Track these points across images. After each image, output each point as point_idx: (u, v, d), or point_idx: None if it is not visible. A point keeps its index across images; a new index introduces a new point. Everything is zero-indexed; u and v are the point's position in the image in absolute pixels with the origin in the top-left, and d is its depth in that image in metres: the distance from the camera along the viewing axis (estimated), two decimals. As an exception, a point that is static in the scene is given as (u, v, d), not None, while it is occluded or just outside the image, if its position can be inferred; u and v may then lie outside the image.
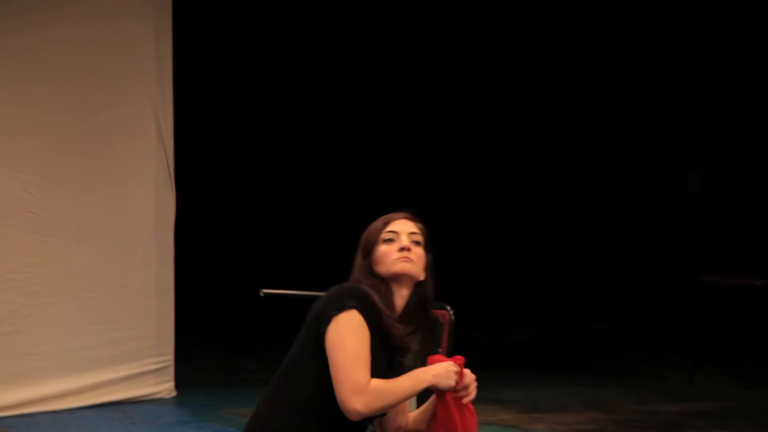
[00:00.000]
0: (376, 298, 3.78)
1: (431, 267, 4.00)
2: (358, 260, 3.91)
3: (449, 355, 6.00)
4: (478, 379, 3.77)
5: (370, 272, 3.87)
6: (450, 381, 3.86)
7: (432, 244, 4.01)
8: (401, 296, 3.91)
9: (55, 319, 7.26)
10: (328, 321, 3.70)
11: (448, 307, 6.14)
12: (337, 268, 4.15)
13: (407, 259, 3.87)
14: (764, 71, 11.32)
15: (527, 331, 11.67)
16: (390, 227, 3.93)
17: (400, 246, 3.89)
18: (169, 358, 7.68)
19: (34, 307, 7.19)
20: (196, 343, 7.60)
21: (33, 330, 7.18)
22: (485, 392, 8.01)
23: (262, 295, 5.73)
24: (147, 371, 7.56)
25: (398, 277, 3.88)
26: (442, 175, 12.82)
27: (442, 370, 3.87)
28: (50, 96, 7.27)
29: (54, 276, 7.26)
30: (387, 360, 3.83)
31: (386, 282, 3.87)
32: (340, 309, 3.69)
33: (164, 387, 7.66)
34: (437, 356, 4.00)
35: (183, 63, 8.13)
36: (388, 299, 3.84)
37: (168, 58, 7.73)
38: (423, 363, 6.03)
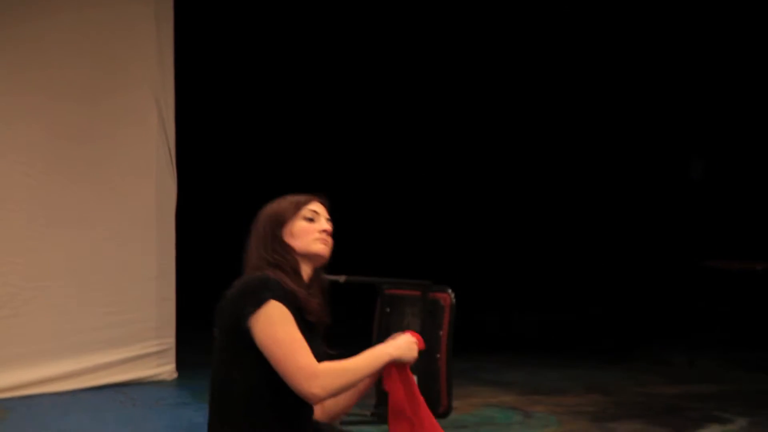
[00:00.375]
0: (287, 279, 3.76)
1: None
2: (262, 233, 3.85)
3: (450, 336, 6.03)
4: (479, 362, 3.76)
5: (278, 245, 3.83)
6: (413, 353, 3.87)
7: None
8: (306, 273, 3.90)
9: (56, 303, 7.28)
10: (248, 319, 3.66)
11: (450, 290, 6.16)
12: (339, 251, 4.15)
13: (325, 241, 3.89)
14: (766, 58, 11.31)
15: (528, 314, 11.68)
16: (311, 206, 3.92)
17: (322, 228, 3.90)
18: (170, 340, 7.70)
19: (35, 290, 7.20)
20: (196, 326, 7.59)
21: (34, 313, 7.20)
22: (486, 374, 8.11)
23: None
24: (148, 353, 7.58)
25: (311, 257, 3.87)
26: (447, 157, 12.82)
27: (403, 344, 3.88)
28: (51, 82, 7.27)
29: (55, 260, 7.27)
30: (309, 337, 3.80)
31: (294, 257, 3.86)
32: (258, 304, 3.62)
33: (165, 369, 7.68)
34: (397, 334, 4.01)
35: (185, 49, 8.13)
36: (298, 274, 3.83)
37: (169, 44, 7.72)
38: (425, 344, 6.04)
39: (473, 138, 12.91)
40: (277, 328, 3.62)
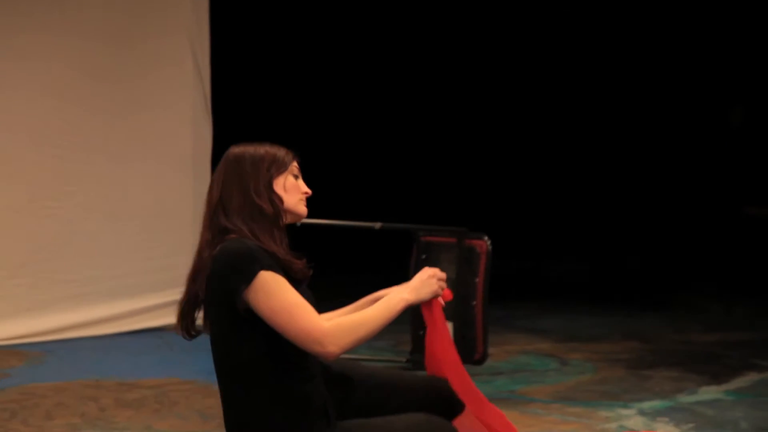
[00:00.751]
0: (266, 238, 3.73)
1: None
2: (252, 174, 3.74)
3: (486, 283, 6.02)
4: (515, 309, 3.74)
5: (273, 194, 3.79)
6: (431, 287, 3.81)
7: (358, 155, 3.99)
8: (284, 225, 3.90)
9: (93, 247, 7.31)
10: (242, 295, 3.63)
11: (486, 237, 6.14)
12: (366, 199, 4.13)
13: (306, 203, 3.87)
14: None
15: (565, 262, 11.65)
16: (295, 164, 3.89)
17: (305, 189, 3.87)
18: (206, 286, 7.71)
19: (72, 234, 7.24)
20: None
21: (71, 257, 7.23)
22: (522, 321, 8.10)
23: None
24: (185, 298, 7.60)
25: (293, 215, 3.85)
26: (485, 104, 12.75)
27: (417, 283, 3.83)
28: (86, 24, 7.25)
29: (91, 204, 7.30)
30: (298, 290, 3.78)
31: (282, 211, 3.83)
32: (249, 279, 3.57)
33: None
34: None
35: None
36: (281, 231, 3.80)
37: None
38: (459, 291, 6.06)
39: (512, 85, 12.83)
40: (273, 297, 3.60)
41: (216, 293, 3.70)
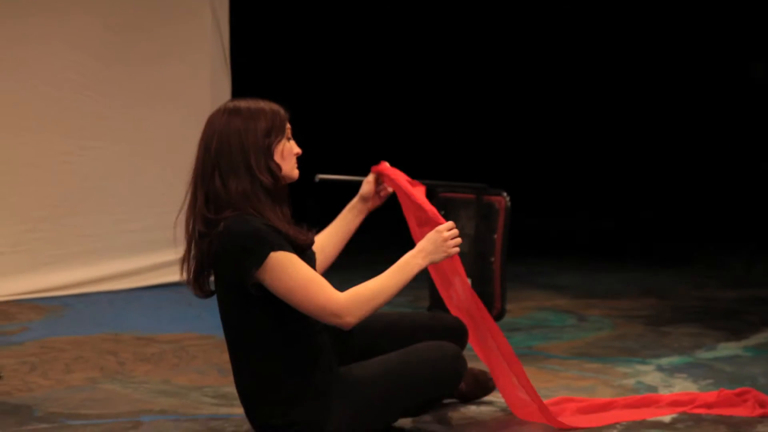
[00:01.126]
0: (271, 215, 3.71)
1: None
2: (254, 142, 3.74)
3: (504, 239, 6.00)
4: (533, 265, 3.74)
5: (274, 165, 3.76)
6: (445, 251, 3.80)
7: (376, 110, 3.98)
8: (286, 192, 3.88)
9: (111, 201, 7.32)
10: (254, 276, 3.63)
11: (505, 194, 6.12)
12: (379, 154, 4.11)
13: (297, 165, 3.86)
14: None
15: (582, 218, 11.62)
16: (288, 125, 3.85)
17: (297, 151, 3.85)
18: (224, 240, 7.71)
19: (90, 189, 7.24)
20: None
21: (89, 212, 7.24)
22: (540, 278, 8.09)
23: (317, 180, 5.71)
24: (203, 254, 7.60)
25: (288, 181, 3.84)
26: (501, 59, 12.68)
27: (431, 247, 3.81)
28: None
29: (109, 158, 7.30)
30: (304, 257, 3.79)
31: (282, 182, 3.81)
32: (260, 261, 3.62)
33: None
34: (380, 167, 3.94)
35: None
36: (282, 201, 3.79)
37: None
38: (477, 247, 6.05)
39: (528, 36, 12.75)
40: (287, 277, 3.62)
41: (224, 271, 3.70)
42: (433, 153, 11.76)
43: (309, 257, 3.85)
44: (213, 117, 3.84)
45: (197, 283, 3.85)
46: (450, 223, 3.84)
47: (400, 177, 4.15)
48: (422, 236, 3.98)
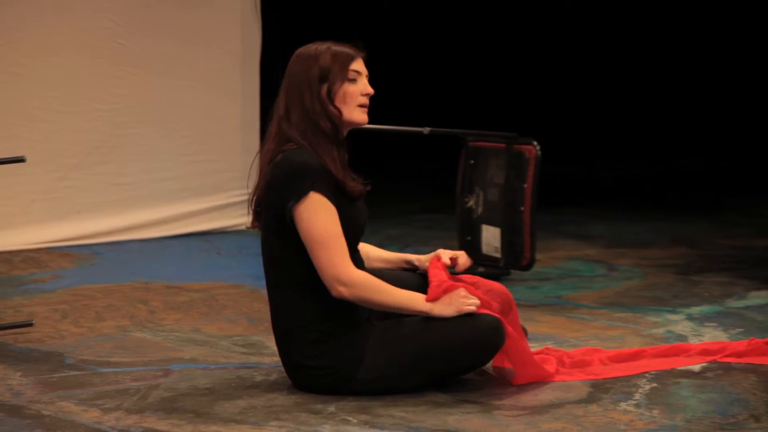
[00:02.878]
0: (326, 157, 3.72)
1: None
2: (304, 95, 3.78)
3: (534, 189, 5.98)
4: (563, 215, 3.72)
5: (325, 110, 3.77)
6: (457, 307, 3.79)
7: (407, 58, 3.95)
8: (343, 136, 3.89)
9: (142, 150, 7.33)
10: (291, 211, 3.70)
11: (535, 143, 6.09)
12: (414, 103, 4.09)
13: (365, 108, 3.85)
14: None
15: (613, 166, 11.56)
16: (354, 65, 3.84)
17: (365, 91, 3.83)
18: (254, 190, 7.72)
19: (122, 137, 7.26)
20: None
21: (120, 160, 7.26)
22: (570, 227, 8.08)
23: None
24: (232, 203, 7.63)
25: (351, 125, 3.84)
26: (530, 8, 12.59)
27: (446, 299, 3.81)
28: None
29: (141, 107, 7.30)
30: (351, 206, 3.79)
31: (339, 125, 3.81)
32: (299, 197, 3.68)
33: (249, 219, 7.71)
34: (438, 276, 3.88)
35: None
36: (340, 146, 3.80)
37: None
38: (507, 197, 6.04)
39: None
40: (315, 222, 3.68)
41: (269, 200, 3.76)
42: (464, 102, 11.71)
43: (359, 208, 3.86)
44: (292, 57, 3.90)
45: (254, 214, 3.92)
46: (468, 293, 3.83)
47: (443, 275, 4.05)
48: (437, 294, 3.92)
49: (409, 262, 4.14)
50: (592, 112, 12.54)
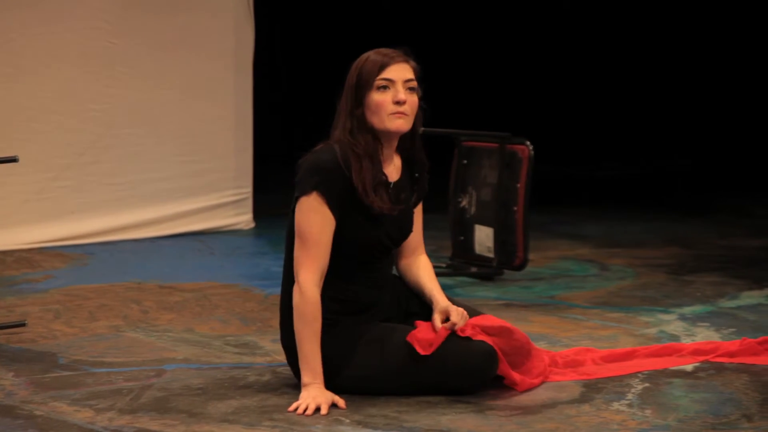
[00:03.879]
0: (355, 165, 3.74)
1: (422, 105, 3.92)
2: (345, 104, 3.82)
3: (527, 188, 5.98)
4: (556, 215, 3.72)
5: (361, 121, 3.80)
6: (311, 402, 3.71)
7: (423, 77, 3.92)
8: (392, 146, 3.89)
9: (135, 150, 7.33)
10: (294, 203, 3.79)
11: (528, 142, 6.10)
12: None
13: (401, 115, 3.81)
14: None
15: (607, 167, 11.57)
16: (385, 73, 3.81)
17: (396, 98, 3.80)
18: (247, 190, 7.73)
19: (115, 137, 7.26)
20: (274, 175, 7.65)
21: (113, 160, 7.26)
22: (563, 227, 8.09)
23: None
24: (226, 203, 7.63)
25: (389, 134, 3.83)
26: (525, 8, 12.59)
27: (312, 391, 3.73)
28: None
29: (134, 107, 7.30)
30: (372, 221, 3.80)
31: (375, 134, 3.82)
32: (302, 192, 3.75)
33: (243, 218, 7.73)
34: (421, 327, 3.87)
35: None
36: (374, 155, 3.80)
37: None
38: (500, 197, 6.04)
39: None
40: (304, 219, 3.75)
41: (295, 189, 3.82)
42: (457, 101, 11.71)
43: (382, 223, 3.82)
44: None
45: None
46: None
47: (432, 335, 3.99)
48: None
49: (431, 302, 4.03)
50: (585, 112, 12.55)
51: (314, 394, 3.71)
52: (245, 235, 7.61)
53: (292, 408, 3.70)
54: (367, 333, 3.84)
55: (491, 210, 6.16)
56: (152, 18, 7.30)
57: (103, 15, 7.12)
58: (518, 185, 6.06)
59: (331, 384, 3.79)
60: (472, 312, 3.98)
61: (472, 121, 8.21)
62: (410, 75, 3.84)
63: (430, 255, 4.18)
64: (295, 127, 11.05)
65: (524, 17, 12.62)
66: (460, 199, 6.33)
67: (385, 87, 3.81)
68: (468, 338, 3.81)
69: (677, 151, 12.15)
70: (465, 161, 6.34)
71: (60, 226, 7.08)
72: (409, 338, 3.81)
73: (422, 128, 5.96)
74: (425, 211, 4.13)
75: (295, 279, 3.76)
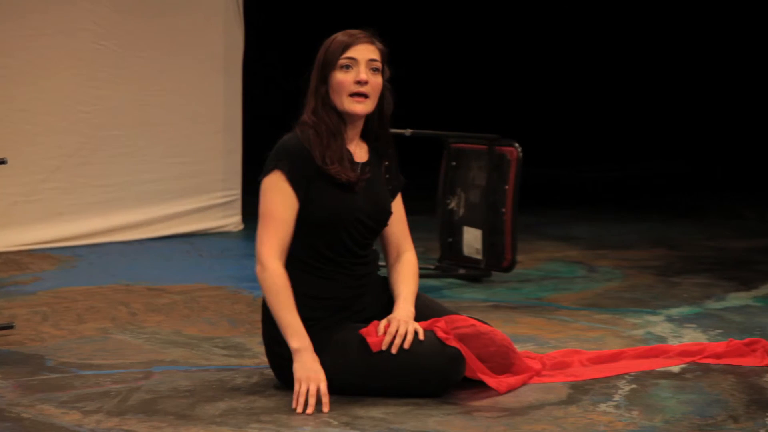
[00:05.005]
0: (317, 144, 3.76)
1: (388, 86, 3.91)
2: (313, 82, 3.86)
3: (516, 190, 6.00)
4: (545, 216, 3.72)
5: (325, 100, 3.83)
6: (300, 373, 3.72)
7: (390, 60, 3.92)
8: (357, 127, 3.90)
9: (124, 152, 7.33)
10: (259, 185, 3.83)
11: (516, 144, 6.11)
12: (397, 105, 4.09)
13: (362, 99, 3.81)
14: None
15: (595, 169, 11.60)
16: (349, 52, 3.83)
17: (357, 78, 3.81)
18: (236, 192, 7.74)
19: (104, 139, 7.25)
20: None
21: (102, 162, 7.26)
22: (551, 229, 8.11)
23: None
24: (214, 205, 7.64)
25: (348, 115, 3.85)
26: (517, 10, 12.61)
27: (303, 369, 3.73)
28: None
29: (123, 109, 7.30)
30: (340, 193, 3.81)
31: (339, 113, 3.84)
32: (266, 172, 3.79)
33: (231, 221, 7.74)
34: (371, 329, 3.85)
35: None
36: (338, 133, 3.82)
37: None
38: (489, 198, 6.05)
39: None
40: (265, 198, 3.83)
41: None
42: (446, 103, 11.73)
43: (353, 197, 3.82)
44: None
45: None
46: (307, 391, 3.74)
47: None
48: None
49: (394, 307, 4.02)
50: (574, 114, 12.57)
51: (307, 371, 3.70)
52: (234, 237, 7.61)
53: (294, 405, 3.70)
54: (338, 333, 3.84)
55: (480, 212, 6.17)
56: (141, 21, 7.31)
57: (92, 17, 7.12)
58: (507, 187, 6.07)
59: None
60: (445, 314, 3.97)
61: (461, 123, 8.22)
62: (375, 56, 3.85)
63: (419, 256, 4.18)
64: (284, 130, 11.06)
65: (513, 21, 12.64)
66: (448, 201, 6.34)
67: (347, 66, 3.83)
68: (439, 341, 3.80)
69: (666, 153, 12.17)
70: (454, 163, 6.35)
71: (48, 228, 7.07)
72: (362, 332, 3.82)
73: (411, 130, 6.00)
74: (413, 213, 4.14)
75: (257, 258, 3.76)
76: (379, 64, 3.85)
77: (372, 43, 3.88)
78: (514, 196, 6.05)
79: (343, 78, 3.82)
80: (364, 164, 3.90)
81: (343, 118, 3.85)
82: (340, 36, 3.88)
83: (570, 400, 3.89)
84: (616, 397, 3.92)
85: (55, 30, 7.02)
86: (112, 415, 3.71)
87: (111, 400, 3.87)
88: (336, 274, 3.86)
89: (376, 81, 3.84)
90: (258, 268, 3.77)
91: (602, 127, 12.52)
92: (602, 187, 10.67)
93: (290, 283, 3.78)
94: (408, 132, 6.01)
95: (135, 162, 7.38)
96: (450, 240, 6.34)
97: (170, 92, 7.45)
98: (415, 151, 9.26)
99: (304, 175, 3.77)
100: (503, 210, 6.07)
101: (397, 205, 4.04)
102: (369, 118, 3.90)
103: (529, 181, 6.61)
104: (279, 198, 3.77)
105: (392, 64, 3.96)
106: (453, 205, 6.33)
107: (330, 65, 3.84)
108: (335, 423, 3.62)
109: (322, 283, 3.85)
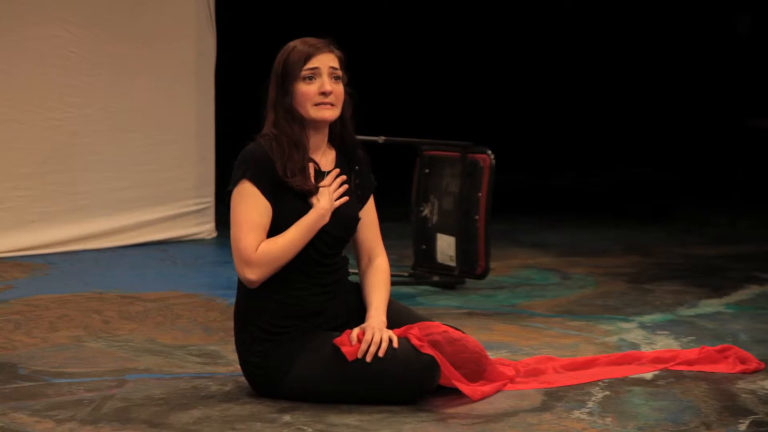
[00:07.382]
0: (278, 153, 3.78)
1: (348, 91, 3.93)
2: (272, 94, 3.88)
3: (489, 197, 6.01)
4: (518, 223, 3.74)
5: (287, 111, 3.84)
6: (324, 200, 3.81)
7: (349, 66, 3.94)
8: (321, 134, 3.92)
9: (96, 159, 7.30)
10: (228, 198, 3.84)
11: (489, 152, 6.13)
12: (369, 113, 4.11)
13: (328, 107, 3.84)
14: None
15: (568, 176, 11.64)
16: (311, 63, 3.85)
17: (322, 89, 3.83)
18: (209, 199, 7.73)
19: (76, 146, 7.23)
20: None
21: (74, 169, 7.23)
22: (524, 236, 8.12)
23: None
24: (188, 212, 7.62)
25: (315, 124, 3.87)
26: (490, 18, 12.65)
27: (322, 200, 3.82)
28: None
29: (95, 116, 7.28)
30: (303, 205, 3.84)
31: (302, 123, 3.85)
32: (234, 183, 3.81)
33: (205, 228, 7.72)
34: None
35: None
36: (300, 143, 3.84)
37: None
38: (462, 206, 6.07)
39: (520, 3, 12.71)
40: (234, 208, 3.85)
41: None
42: (418, 110, 11.75)
43: (306, 205, 3.83)
44: None
45: None
46: (329, 179, 3.86)
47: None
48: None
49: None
50: (547, 121, 12.61)
51: (325, 197, 3.79)
52: (207, 245, 7.60)
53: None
54: (310, 342, 3.84)
55: (453, 219, 6.18)
56: (112, 26, 7.29)
57: (63, 24, 7.10)
58: (479, 194, 6.08)
59: (275, 391, 3.83)
60: (417, 320, 3.98)
61: (434, 131, 8.23)
62: (335, 64, 3.88)
63: (392, 264, 4.18)
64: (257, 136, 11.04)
65: (484, 30, 12.68)
66: (421, 208, 6.34)
67: (310, 77, 3.85)
68: (414, 348, 3.81)
69: (636, 160, 12.23)
70: (427, 170, 6.36)
71: (20, 236, 7.04)
72: (336, 341, 3.82)
73: (384, 137, 6.01)
74: (387, 220, 4.14)
75: (240, 259, 3.75)
76: (339, 72, 3.89)
77: (331, 51, 3.90)
78: (487, 203, 6.06)
79: (307, 89, 3.84)
80: (329, 172, 3.91)
81: (306, 127, 3.86)
82: (298, 46, 3.88)
83: (544, 407, 3.90)
84: (590, 404, 3.93)
85: (25, 36, 6.99)
86: (85, 423, 3.69)
87: (84, 409, 3.86)
88: (301, 283, 3.86)
89: (339, 89, 3.88)
90: (248, 272, 3.75)
91: (574, 134, 12.57)
92: (575, 195, 10.70)
93: (262, 292, 3.80)
94: (381, 139, 6.02)
95: (107, 169, 7.35)
96: (423, 247, 6.35)
97: (142, 99, 7.43)
98: (388, 158, 9.28)
99: (271, 182, 3.79)
100: (476, 217, 6.08)
101: (369, 210, 4.05)
102: (332, 124, 3.92)
103: (502, 189, 6.63)
104: (252, 205, 3.77)
105: (363, 71, 3.99)
106: (426, 212, 6.33)
107: (291, 77, 3.84)
108: (310, 430, 3.62)
109: (289, 292, 3.85)
